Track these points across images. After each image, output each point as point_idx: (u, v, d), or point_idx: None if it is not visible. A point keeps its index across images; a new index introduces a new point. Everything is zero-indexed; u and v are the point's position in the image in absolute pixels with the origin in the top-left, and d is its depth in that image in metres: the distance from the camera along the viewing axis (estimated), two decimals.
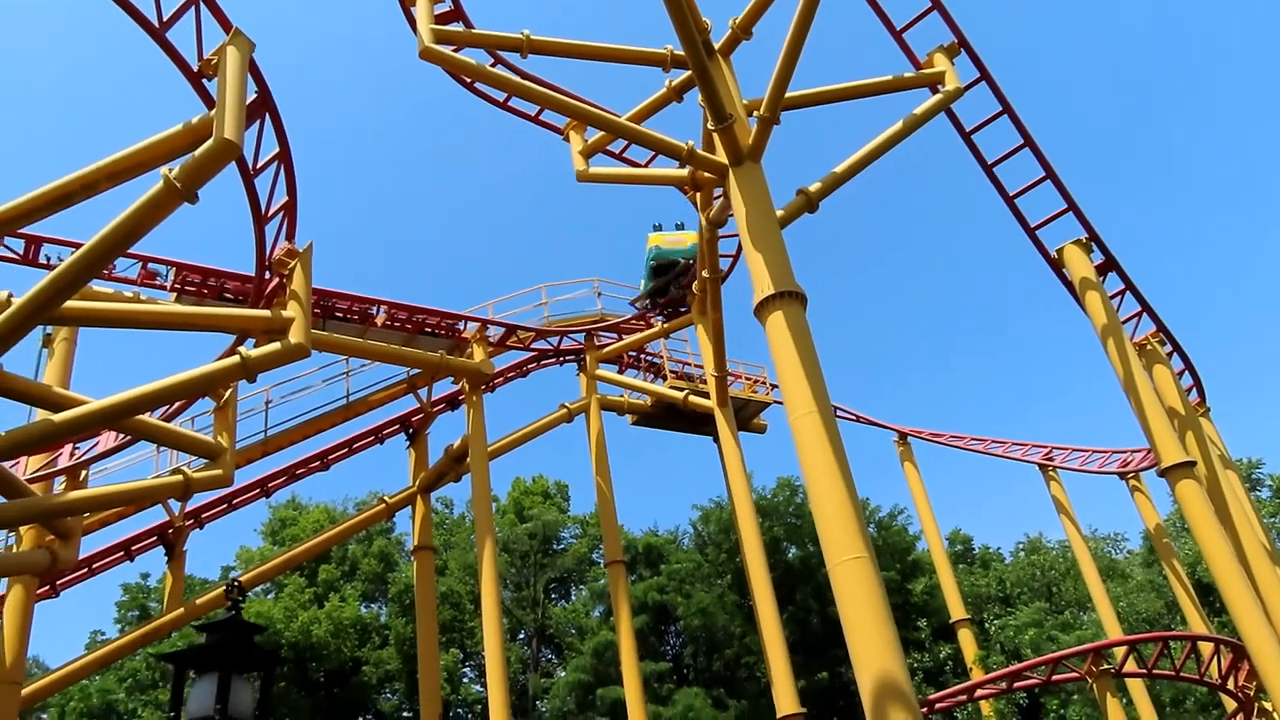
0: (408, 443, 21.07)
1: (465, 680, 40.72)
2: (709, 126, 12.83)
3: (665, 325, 22.03)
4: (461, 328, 19.76)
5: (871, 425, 28.64)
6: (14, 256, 14.56)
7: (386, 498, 20.59)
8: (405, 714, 38.77)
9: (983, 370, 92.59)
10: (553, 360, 22.52)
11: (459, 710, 39.66)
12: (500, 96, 15.61)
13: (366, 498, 39.74)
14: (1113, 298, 17.62)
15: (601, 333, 22.59)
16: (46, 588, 15.54)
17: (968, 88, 15.67)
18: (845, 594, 9.56)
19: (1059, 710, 30.68)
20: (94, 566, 17.02)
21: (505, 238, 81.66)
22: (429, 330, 19.17)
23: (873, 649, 9.15)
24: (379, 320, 18.46)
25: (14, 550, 13.54)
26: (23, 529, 13.36)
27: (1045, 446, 28.93)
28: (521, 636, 42.86)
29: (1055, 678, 18.60)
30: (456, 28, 13.89)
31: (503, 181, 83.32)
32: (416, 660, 34.05)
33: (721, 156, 12.71)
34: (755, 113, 12.88)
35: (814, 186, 12.81)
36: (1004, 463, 29.51)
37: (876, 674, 8.97)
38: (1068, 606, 40.51)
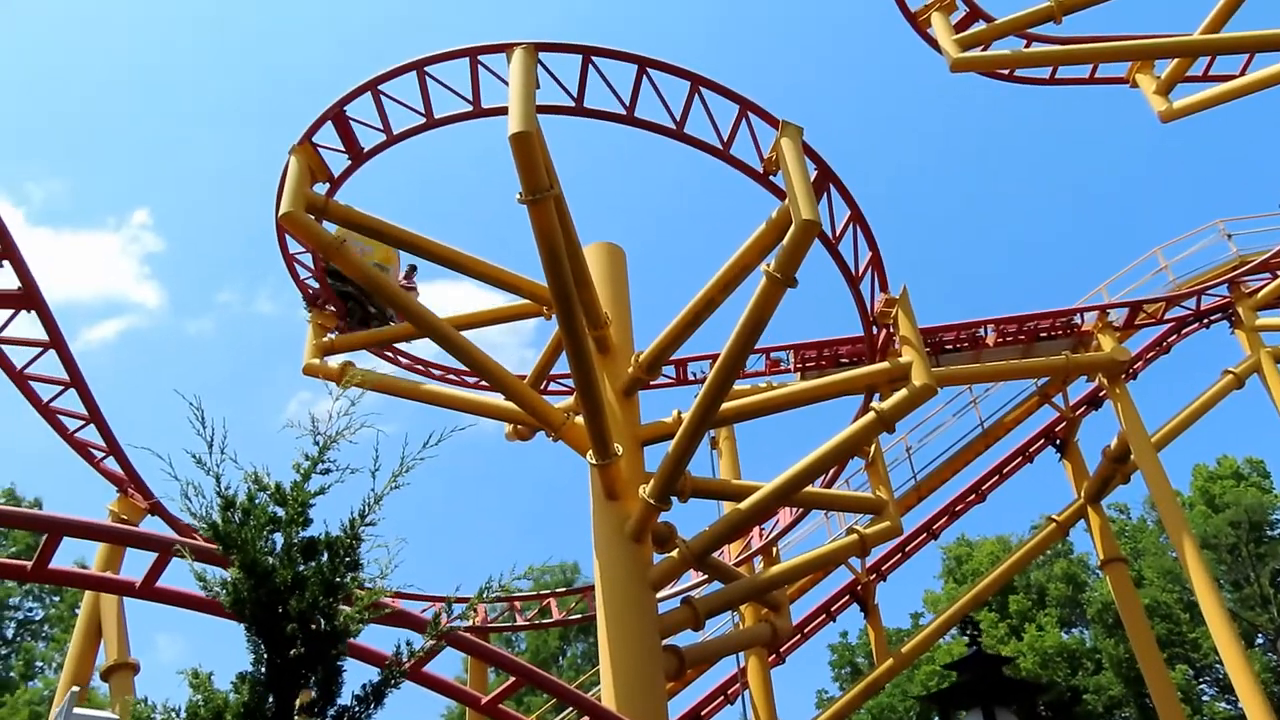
0: (1058, 455, 19.96)
1: (1205, 698, 36.30)
2: None
3: None
4: (1079, 321, 18.38)
5: None
6: (671, 381, 17.19)
7: (1055, 516, 19.60)
8: None
9: None
10: (1195, 326, 19.75)
11: None
12: (1044, 73, 14.63)
13: (1038, 521, 38.29)
14: None
15: (1247, 278, 19.33)
16: (774, 656, 17.46)
17: None
18: None
19: None
20: (805, 631, 18.72)
21: (1083, 217, 74.71)
22: (1044, 334, 18.15)
23: None
24: (989, 340, 18.01)
25: (740, 628, 15.56)
26: (742, 608, 15.32)
27: None
28: (1261, 642, 37.10)
29: None
30: (978, 27, 13.45)
31: (1058, 159, 76.80)
32: (1139, 682, 31.47)
33: None
34: None
35: None
36: None
37: None
38: None
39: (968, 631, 5.67)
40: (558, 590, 20.78)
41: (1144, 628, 18.77)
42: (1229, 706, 34.93)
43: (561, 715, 19.24)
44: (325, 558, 4.75)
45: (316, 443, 4.87)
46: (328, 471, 4.86)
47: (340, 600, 4.72)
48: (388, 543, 4.80)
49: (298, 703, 4.71)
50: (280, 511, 4.77)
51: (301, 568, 4.71)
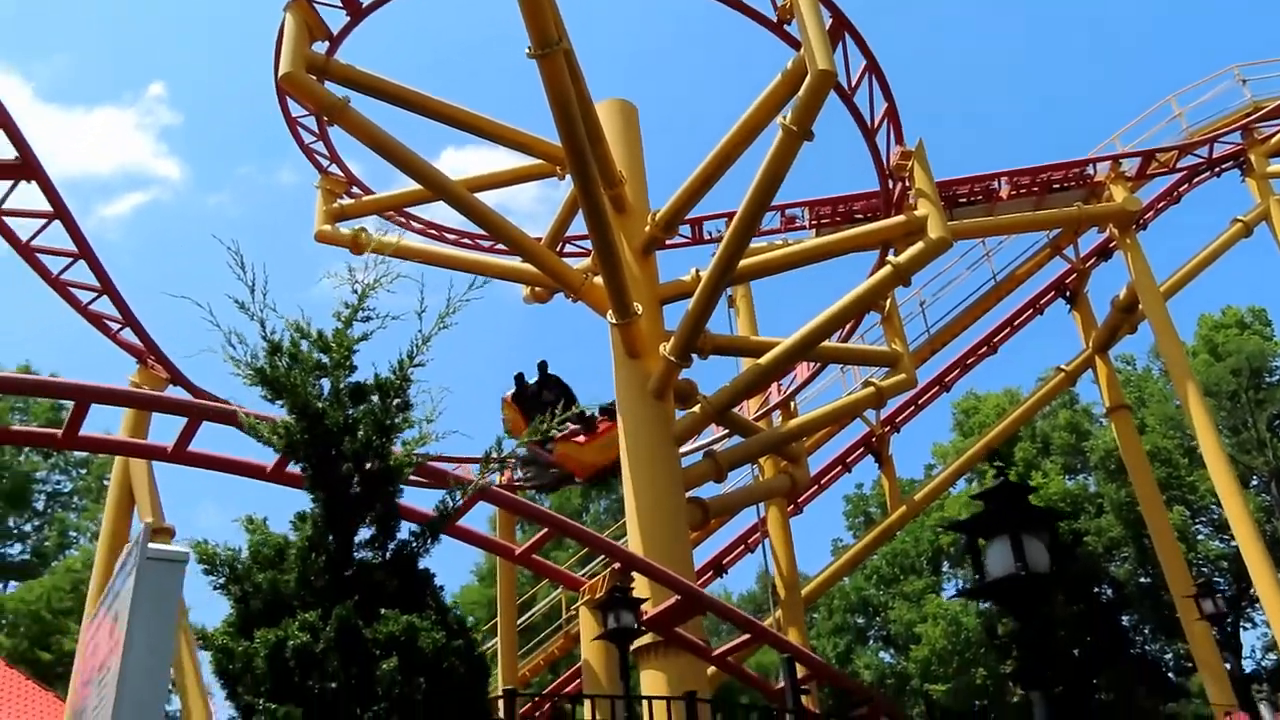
0: (1069, 307, 20.09)
1: (1200, 537, 37.56)
2: None
3: None
4: (1091, 172, 18.19)
5: None
6: (687, 240, 17.16)
7: (1064, 366, 19.91)
8: (1141, 579, 37.10)
9: None
10: (1207, 175, 19.49)
11: (1202, 569, 36.69)
12: None
13: (1045, 374, 38.85)
14: None
15: (1261, 124, 18.96)
16: (792, 506, 18.04)
17: None
18: None
19: None
20: (822, 482, 19.23)
21: (1100, 67, 72.30)
22: (1057, 186, 17.99)
23: None
24: (1003, 193, 17.86)
25: (760, 480, 16.05)
26: (762, 460, 15.76)
27: None
28: (1255, 483, 38.09)
29: None
30: None
31: (1075, 7, 73.78)
32: (1139, 524, 32.56)
33: None
34: None
35: None
36: None
37: None
38: None
39: (994, 464, 5.90)
40: None
41: (1145, 472, 19.35)
42: (1222, 544, 36.26)
43: (587, 568, 20.02)
44: (376, 399, 4.92)
45: (355, 290, 4.98)
46: (369, 319, 4.99)
47: (392, 441, 4.91)
48: (431, 389, 4.94)
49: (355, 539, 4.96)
50: (325, 358, 4.92)
51: (351, 411, 4.88)
